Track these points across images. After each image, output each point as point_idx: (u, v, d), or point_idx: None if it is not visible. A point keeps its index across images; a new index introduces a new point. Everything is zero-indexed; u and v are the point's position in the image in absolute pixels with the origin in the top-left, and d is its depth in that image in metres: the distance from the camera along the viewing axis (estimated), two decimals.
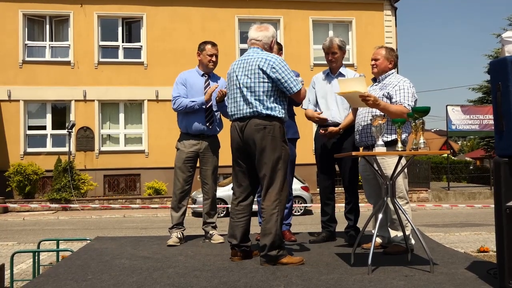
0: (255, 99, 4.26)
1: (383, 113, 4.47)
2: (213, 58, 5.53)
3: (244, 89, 4.30)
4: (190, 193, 5.70)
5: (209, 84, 5.51)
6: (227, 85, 4.56)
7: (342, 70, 5.40)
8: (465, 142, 62.72)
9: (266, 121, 4.25)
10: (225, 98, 4.75)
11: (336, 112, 5.30)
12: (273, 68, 4.26)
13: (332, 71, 5.43)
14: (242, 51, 19.72)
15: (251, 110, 4.26)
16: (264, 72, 4.26)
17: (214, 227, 5.60)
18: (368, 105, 4.47)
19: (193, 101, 5.39)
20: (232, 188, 4.60)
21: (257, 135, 4.23)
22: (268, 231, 4.17)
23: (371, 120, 4.38)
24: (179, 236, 5.42)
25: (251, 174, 4.42)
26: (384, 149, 4.24)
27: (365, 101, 4.42)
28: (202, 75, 5.58)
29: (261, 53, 4.37)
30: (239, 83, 4.34)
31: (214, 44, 5.59)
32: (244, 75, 4.33)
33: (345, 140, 5.28)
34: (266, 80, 4.26)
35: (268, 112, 4.25)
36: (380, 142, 4.22)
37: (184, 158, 5.49)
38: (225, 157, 5.71)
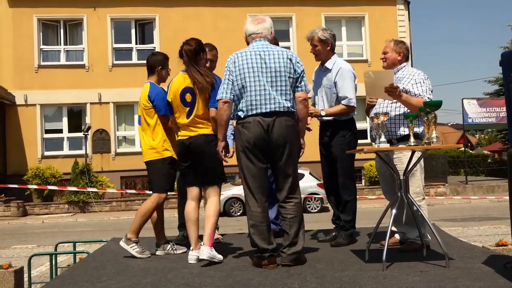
0: (285, 94, 4.06)
1: (385, 111, 4.40)
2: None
3: (275, 83, 4.04)
4: None
5: None
6: (236, 78, 4.09)
7: (328, 64, 5.10)
8: (482, 135, 62.02)
9: (293, 118, 4.12)
10: (228, 95, 4.16)
11: (322, 107, 5.11)
12: (298, 62, 4.14)
13: (320, 65, 5.26)
14: None
15: (282, 105, 4.02)
16: (292, 67, 4.09)
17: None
18: (392, 95, 4.32)
19: None
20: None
21: (288, 132, 4.04)
22: (301, 228, 4.11)
23: (372, 117, 4.27)
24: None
25: (266, 172, 4.23)
26: (387, 146, 4.17)
27: (391, 92, 4.28)
28: None
29: (277, 47, 4.18)
30: (267, 76, 4.04)
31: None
32: (274, 68, 4.04)
33: (334, 137, 5.07)
34: (292, 75, 4.09)
35: (292, 109, 4.12)
36: (383, 139, 4.12)
37: None
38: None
